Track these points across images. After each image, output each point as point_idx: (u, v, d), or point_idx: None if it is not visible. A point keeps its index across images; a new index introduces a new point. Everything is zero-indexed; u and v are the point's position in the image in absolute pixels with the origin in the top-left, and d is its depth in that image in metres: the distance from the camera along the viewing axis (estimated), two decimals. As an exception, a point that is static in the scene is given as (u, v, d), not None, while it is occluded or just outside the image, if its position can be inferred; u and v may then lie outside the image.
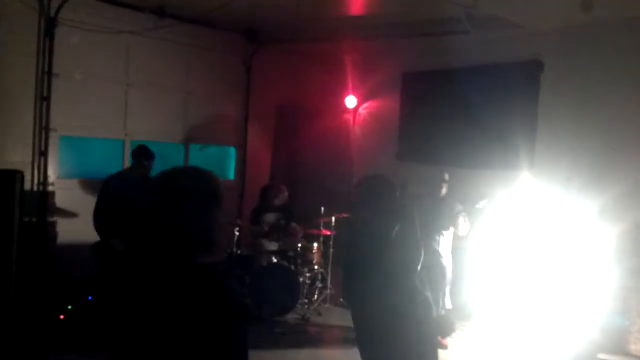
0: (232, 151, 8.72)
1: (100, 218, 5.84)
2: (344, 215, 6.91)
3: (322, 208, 6.92)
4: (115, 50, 7.03)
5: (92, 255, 5.85)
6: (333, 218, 6.91)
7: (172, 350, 1.65)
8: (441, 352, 5.44)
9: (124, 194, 5.66)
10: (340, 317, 6.54)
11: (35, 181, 6.39)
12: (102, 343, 1.83)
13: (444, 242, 5.85)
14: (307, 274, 6.69)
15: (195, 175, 1.84)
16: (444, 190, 5.87)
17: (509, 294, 5.84)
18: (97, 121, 6.98)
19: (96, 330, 4.95)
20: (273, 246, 6.89)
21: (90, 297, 5.70)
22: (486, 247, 6.33)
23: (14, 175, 4.95)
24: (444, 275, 5.79)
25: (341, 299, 6.88)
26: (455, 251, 6.02)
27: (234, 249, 6.55)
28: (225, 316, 1.67)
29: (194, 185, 1.80)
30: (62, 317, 5.40)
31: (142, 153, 6.06)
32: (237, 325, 1.70)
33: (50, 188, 6.55)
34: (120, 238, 5.65)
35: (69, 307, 5.48)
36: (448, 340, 5.76)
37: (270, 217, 7.02)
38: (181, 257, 1.76)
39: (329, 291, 6.94)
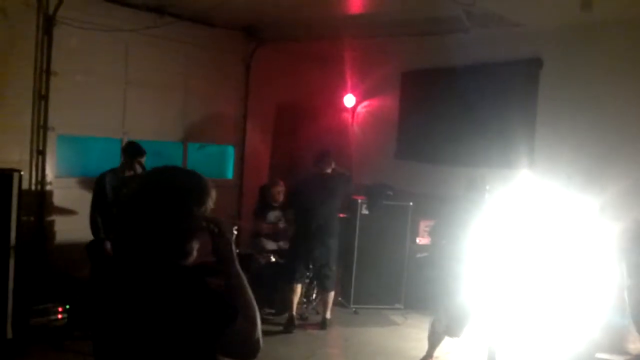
0: (231, 150, 8.70)
1: (94, 216, 5.53)
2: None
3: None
4: (114, 49, 7.00)
5: (87, 255, 5.83)
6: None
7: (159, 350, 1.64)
8: (441, 351, 5.45)
9: (116, 193, 5.42)
10: (338, 316, 6.54)
11: (33, 180, 6.38)
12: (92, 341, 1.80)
13: None
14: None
15: (182, 173, 1.81)
16: (487, 195, 5.39)
17: (507, 294, 5.81)
18: (96, 120, 6.95)
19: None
20: (272, 245, 6.89)
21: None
22: (485, 246, 6.31)
23: (12, 174, 4.94)
24: None
25: (341, 299, 6.86)
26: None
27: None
28: (213, 319, 1.64)
29: (181, 184, 1.75)
30: (59, 316, 5.38)
31: (135, 151, 5.66)
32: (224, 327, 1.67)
33: (48, 187, 6.53)
34: (111, 240, 5.32)
35: (67, 306, 5.46)
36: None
37: (272, 216, 7.01)
38: (163, 257, 1.71)
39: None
